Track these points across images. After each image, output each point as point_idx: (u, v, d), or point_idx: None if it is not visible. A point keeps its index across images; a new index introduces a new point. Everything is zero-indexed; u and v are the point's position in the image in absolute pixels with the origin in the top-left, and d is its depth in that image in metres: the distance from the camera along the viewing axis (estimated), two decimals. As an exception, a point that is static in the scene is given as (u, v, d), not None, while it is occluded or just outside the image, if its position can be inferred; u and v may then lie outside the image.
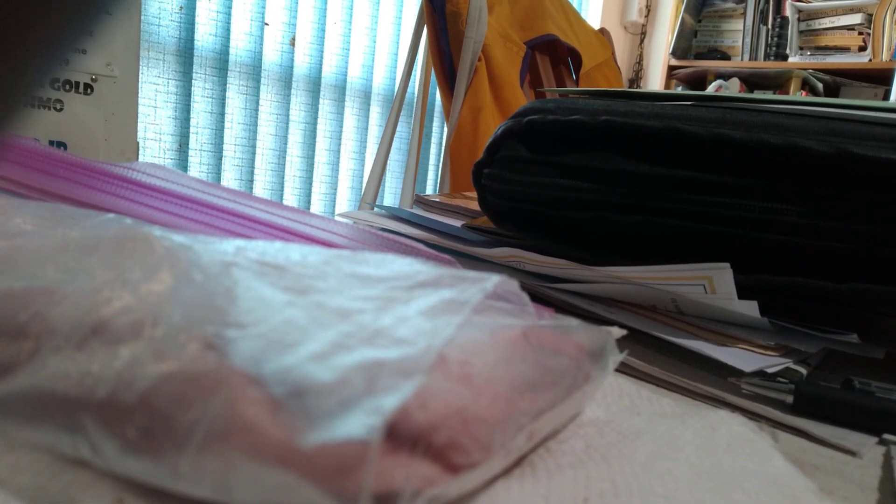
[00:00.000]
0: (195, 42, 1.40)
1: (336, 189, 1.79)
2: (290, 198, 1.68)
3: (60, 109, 0.88)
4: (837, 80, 2.42)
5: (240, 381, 0.15)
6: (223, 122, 1.48)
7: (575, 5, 2.22)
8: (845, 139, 0.33)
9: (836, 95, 2.43)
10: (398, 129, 1.22)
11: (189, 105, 1.42)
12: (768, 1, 2.53)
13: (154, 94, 1.37)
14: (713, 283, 0.33)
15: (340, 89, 1.73)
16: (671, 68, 2.68)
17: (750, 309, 0.33)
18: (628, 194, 0.38)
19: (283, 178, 1.64)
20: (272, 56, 1.56)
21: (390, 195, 1.93)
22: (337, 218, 0.54)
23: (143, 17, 1.24)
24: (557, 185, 0.40)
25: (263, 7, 1.50)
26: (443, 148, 1.72)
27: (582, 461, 0.20)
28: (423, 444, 0.15)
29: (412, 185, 1.24)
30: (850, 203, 0.33)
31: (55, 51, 0.12)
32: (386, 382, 0.15)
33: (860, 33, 2.36)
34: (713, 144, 0.35)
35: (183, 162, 1.44)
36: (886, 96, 2.27)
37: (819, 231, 0.34)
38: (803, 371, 0.32)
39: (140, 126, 1.33)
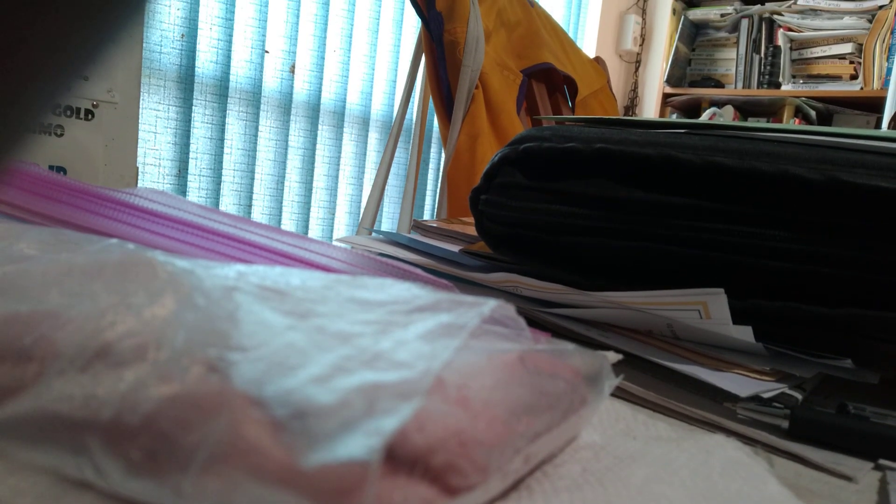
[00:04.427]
0: (196, 69, 1.41)
1: (334, 214, 1.79)
2: (288, 222, 1.68)
3: (61, 135, 0.89)
4: (830, 108, 2.45)
5: (242, 403, 0.16)
6: (222, 147, 1.49)
7: (570, 34, 2.26)
8: (836, 167, 0.34)
9: (828, 123, 2.46)
10: (396, 154, 1.23)
11: (189, 131, 1.43)
12: (760, 30, 2.57)
13: (154, 120, 1.39)
14: (708, 309, 0.33)
15: (339, 115, 1.75)
16: (666, 96, 2.71)
17: (745, 334, 0.34)
18: (623, 220, 0.38)
19: (281, 202, 1.65)
20: (272, 83, 1.58)
21: (388, 220, 1.94)
22: (335, 243, 0.54)
23: (144, 45, 1.26)
24: (553, 210, 0.40)
25: (264, 35, 1.52)
26: (440, 174, 1.73)
27: (578, 485, 0.21)
28: (421, 466, 0.16)
29: (410, 210, 1.24)
30: (842, 229, 0.34)
31: (62, 78, 0.12)
32: (385, 405, 0.15)
33: (851, 62, 2.40)
34: (706, 172, 0.36)
35: (182, 187, 1.44)
36: (878, 124, 2.30)
37: (812, 257, 0.34)
38: (798, 396, 0.32)
39: (140, 151, 1.34)
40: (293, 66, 1.60)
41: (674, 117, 2.68)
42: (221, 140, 1.49)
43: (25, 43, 0.11)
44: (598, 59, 1.63)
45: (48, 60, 0.11)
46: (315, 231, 1.76)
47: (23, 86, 0.11)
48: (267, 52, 1.55)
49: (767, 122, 2.57)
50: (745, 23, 2.59)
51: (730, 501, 0.21)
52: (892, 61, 2.30)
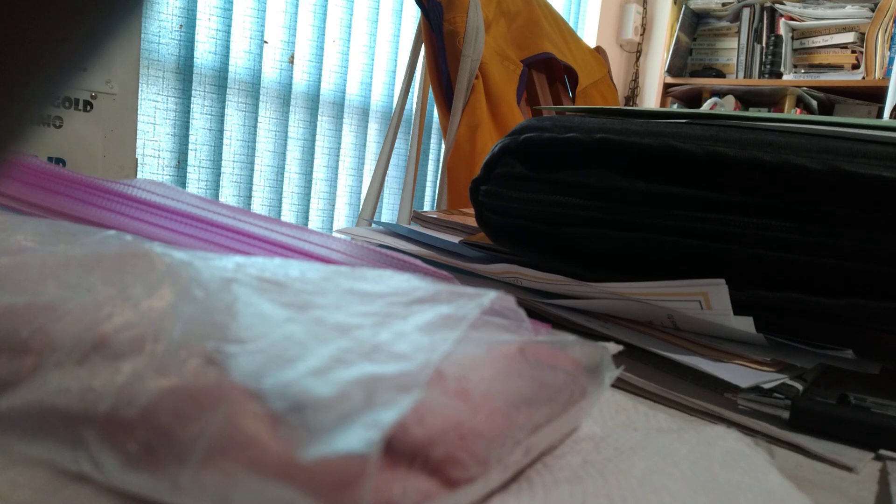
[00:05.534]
0: (195, 60, 1.41)
1: (334, 205, 1.79)
2: (288, 214, 1.68)
3: (60, 126, 0.89)
4: (832, 98, 2.45)
5: (240, 395, 0.16)
6: (222, 138, 1.49)
7: (571, 24, 2.25)
8: (838, 157, 0.33)
9: (830, 113, 2.46)
10: (396, 145, 1.23)
11: (188, 122, 1.43)
12: (762, 19, 2.56)
13: (153, 111, 1.38)
14: (709, 299, 0.33)
15: (339, 106, 1.74)
16: (667, 86, 2.70)
17: (745, 325, 0.34)
18: (623, 211, 0.38)
19: (281, 194, 1.64)
20: (271, 73, 1.57)
21: (388, 212, 1.94)
22: (335, 234, 0.54)
23: (143, 36, 1.25)
24: (553, 201, 0.40)
25: (263, 25, 1.51)
26: (440, 164, 1.73)
27: (578, 476, 0.21)
28: (420, 459, 0.16)
29: (410, 201, 1.24)
30: (844, 219, 0.34)
31: (63, 72, 0.12)
32: (384, 397, 0.15)
33: (853, 52, 2.39)
34: (708, 162, 0.36)
35: (181, 178, 1.44)
36: (880, 114, 2.29)
37: (813, 247, 0.34)
38: (799, 387, 0.32)
39: (139, 143, 1.33)
40: (292, 57, 1.59)
41: (675, 107, 2.67)
42: (221, 131, 1.48)
43: (26, 36, 0.11)
44: (598, 49, 1.62)
45: (49, 53, 0.11)
46: (315, 222, 1.76)
47: (24, 79, 0.11)
48: (266, 42, 1.54)
49: (769, 111, 2.56)
50: (746, 12, 2.57)
51: (730, 492, 0.21)
52: (895, 51, 2.29)
